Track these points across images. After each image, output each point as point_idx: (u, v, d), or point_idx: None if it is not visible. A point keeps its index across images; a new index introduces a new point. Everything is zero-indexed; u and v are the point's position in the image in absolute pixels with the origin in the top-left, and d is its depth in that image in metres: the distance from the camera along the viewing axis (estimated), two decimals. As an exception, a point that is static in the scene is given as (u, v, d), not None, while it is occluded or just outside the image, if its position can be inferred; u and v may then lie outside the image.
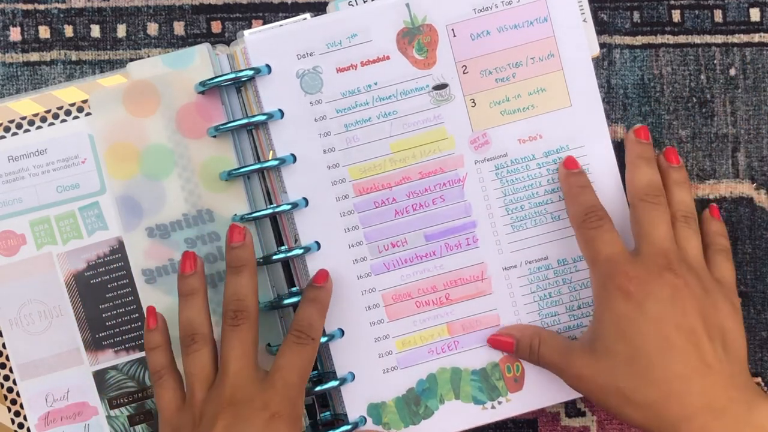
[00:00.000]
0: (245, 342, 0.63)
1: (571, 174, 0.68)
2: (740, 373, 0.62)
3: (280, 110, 0.68)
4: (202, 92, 0.68)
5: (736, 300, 0.67)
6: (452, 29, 0.68)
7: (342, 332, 0.69)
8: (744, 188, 0.74)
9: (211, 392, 0.62)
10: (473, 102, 0.69)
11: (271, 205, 0.69)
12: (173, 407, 0.64)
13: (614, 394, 0.62)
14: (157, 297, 0.68)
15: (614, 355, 0.62)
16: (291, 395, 0.62)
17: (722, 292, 0.65)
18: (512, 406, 0.70)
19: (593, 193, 0.67)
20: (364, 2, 0.69)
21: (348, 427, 0.68)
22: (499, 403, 0.69)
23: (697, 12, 0.75)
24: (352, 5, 0.68)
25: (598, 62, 0.74)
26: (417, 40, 0.68)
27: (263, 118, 0.67)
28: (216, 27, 0.73)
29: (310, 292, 0.66)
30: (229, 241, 0.64)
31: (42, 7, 0.72)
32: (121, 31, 0.73)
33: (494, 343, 0.69)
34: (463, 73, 0.68)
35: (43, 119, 0.68)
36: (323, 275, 0.67)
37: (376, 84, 0.68)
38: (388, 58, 0.68)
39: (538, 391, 0.69)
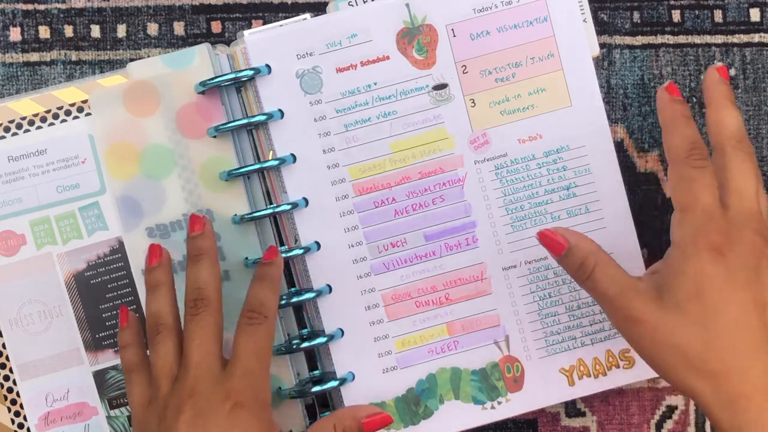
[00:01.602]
0: (206, 330, 0.61)
1: (675, 101, 0.62)
2: None
3: (280, 110, 0.68)
4: (202, 92, 0.68)
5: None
6: (452, 29, 0.68)
7: (342, 332, 0.69)
8: (744, 188, 0.74)
9: (174, 385, 0.61)
10: (473, 102, 0.69)
11: (271, 205, 0.69)
12: (143, 402, 0.63)
13: (673, 354, 0.56)
14: (157, 297, 0.68)
15: (685, 313, 0.56)
16: (253, 382, 0.61)
17: None
18: (512, 406, 0.70)
19: (696, 129, 0.61)
20: (364, 2, 0.69)
21: (348, 427, 0.68)
22: (499, 403, 0.69)
23: (697, 12, 0.75)
24: (352, 5, 0.69)
25: (598, 62, 0.74)
26: (417, 40, 0.68)
27: (263, 118, 0.67)
28: (216, 27, 0.73)
29: (260, 269, 0.65)
30: (189, 230, 0.64)
31: (42, 7, 0.72)
32: (121, 31, 0.73)
33: (543, 238, 0.62)
34: (463, 73, 0.69)
35: (43, 119, 0.68)
36: (273, 251, 0.65)
37: (375, 84, 0.68)
38: (387, 58, 0.68)
39: (538, 391, 0.69)
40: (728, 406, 0.55)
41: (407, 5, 0.68)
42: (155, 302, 0.64)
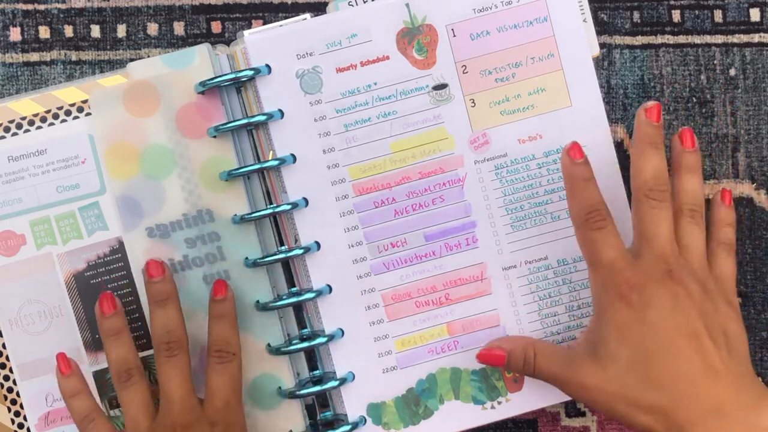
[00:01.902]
0: (183, 370, 0.64)
1: (576, 165, 0.63)
2: (746, 374, 0.62)
3: (280, 110, 0.68)
4: (202, 92, 0.68)
5: (735, 299, 0.66)
6: (452, 29, 0.68)
7: (342, 332, 0.69)
8: (744, 188, 0.74)
9: (158, 420, 0.64)
10: (473, 102, 0.69)
11: (271, 205, 0.69)
12: None
13: (622, 401, 0.61)
14: (157, 297, 0.68)
15: (619, 361, 0.61)
16: (231, 410, 0.65)
17: (722, 293, 0.64)
18: (512, 406, 0.70)
19: (597, 189, 0.63)
20: (364, 2, 0.69)
21: (348, 428, 0.68)
22: (499, 403, 0.69)
23: (697, 12, 0.75)
24: (352, 5, 0.68)
25: (598, 62, 0.74)
26: (417, 40, 0.68)
27: (263, 118, 0.67)
28: (216, 27, 0.73)
29: (214, 308, 0.66)
30: (149, 275, 0.65)
31: (42, 7, 0.72)
32: (121, 31, 0.73)
33: (484, 358, 0.67)
34: (463, 73, 0.68)
35: (43, 119, 0.68)
36: (220, 287, 0.67)
37: (375, 84, 0.68)
38: (387, 58, 0.68)
39: (538, 391, 0.69)
40: None
41: (407, 5, 0.68)
42: (120, 348, 0.65)
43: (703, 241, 0.65)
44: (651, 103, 0.65)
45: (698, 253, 0.65)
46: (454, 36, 0.68)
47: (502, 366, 0.66)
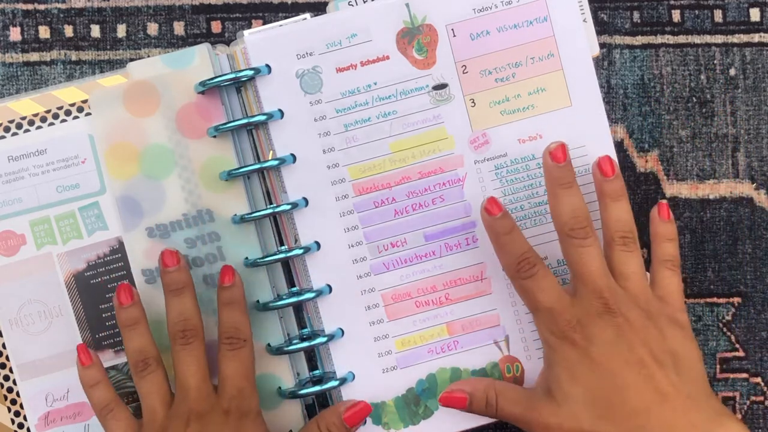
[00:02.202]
0: (199, 358, 0.64)
1: (495, 220, 0.64)
2: (699, 393, 0.62)
3: (280, 110, 0.68)
4: (202, 92, 0.68)
5: (683, 317, 0.66)
6: (452, 29, 0.68)
7: (342, 332, 0.69)
8: (744, 188, 0.74)
9: (173, 409, 0.64)
10: (473, 102, 0.69)
11: (271, 205, 0.69)
12: None
13: None
14: (158, 297, 0.68)
15: (573, 399, 0.62)
16: (246, 396, 0.65)
17: (666, 314, 0.65)
18: (512, 406, 0.70)
19: (522, 238, 0.65)
20: (364, 2, 0.69)
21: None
22: (499, 403, 0.70)
23: (697, 12, 0.75)
24: (352, 5, 0.69)
25: (598, 62, 0.74)
26: (417, 40, 0.68)
27: (263, 118, 0.67)
28: (216, 27, 0.73)
29: (223, 294, 0.66)
30: (164, 265, 0.66)
31: (42, 7, 0.72)
32: (121, 31, 0.73)
33: (445, 401, 0.67)
34: (463, 73, 0.69)
35: (43, 119, 0.68)
36: (229, 273, 0.66)
37: (375, 84, 0.68)
38: (387, 58, 0.68)
39: (538, 391, 0.69)
40: None
41: (407, 5, 0.68)
42: (137, 338, 0.65)
43: (639, 266, 0.65)
44: (554, 145, 0.65)
45: (636, 279, 0.65)
46: (454, 36, 0.68)
47: (464, 408, 0.67)
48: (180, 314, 0.65)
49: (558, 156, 0.64)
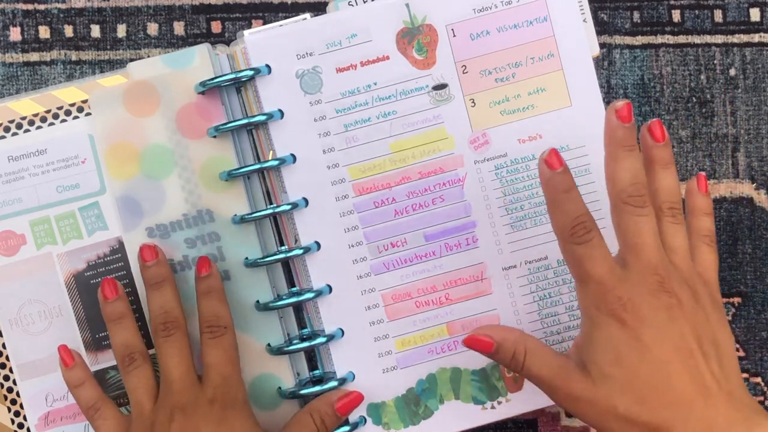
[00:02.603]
0: (181, 349, 0.64)
1: (555, 175, 0.59)
2: (737, 390, 0.59)
3: (280, 110, 0.68)
4: (202, 92, 0.68)
5: (719, 296, 0.63)
6: (452, 29, 0.68)
7: (342, 332, 0.69)
8: (744, 188, 0.75)
9: (158, 402, 0.64)
10: (473, 102, 0.69)
11: (271, 206, 0.69)
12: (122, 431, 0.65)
13: (615, 419, 0.58)
14: (157, 297, 0.68)
15: (612, 381, 0.58)
16: (230, 384, 0.64)
17: (709, 295, 0.61)
18: (512, 406, 0.70)
19: (580, 199, 0.59)
20: (364, 2, 0.69)
21: (348, 428, 0.68)
22: (499, 403, 0.69)
23: (697, 12, 0.75)
24: (352, 5, 0.68)
25: (598, 62, 0.74)
26: (417, 40, 0.68)
27: (263, 118, 0.67)
28: (216, 27, 0.73)
29: (201, 284, 0.67)
30: (143, 260, 0.66)
31: (42, 7, 0.72)
32: (121, 31, 0.73)
33: (470, 342, 0.63)
34: (463, 73, 0.68)
35: (43, 119, 0.68)
36: (204, 263, 0.67)
37: (375, 84, 0.68)
38: (387, 58, 0.68)
39: (538, 392, 0.68)
40: None
41: (407, 5, 0.68)
42: (122, 333, 0.66)
43: (686, 240, 0.62)
44: (620, 103, 0.60)
45: (684, 255, 0.62)
46: (454, 36, 0.68)
47: (488, 353, 0.63)
48: (161, 307, 0.65)
49: (624, 115, 0.60)
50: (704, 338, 0.58)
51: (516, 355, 0.61)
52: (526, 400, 0.70)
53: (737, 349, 0.74)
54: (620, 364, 0.58)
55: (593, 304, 0.59)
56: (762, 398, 0.74)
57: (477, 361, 0.69)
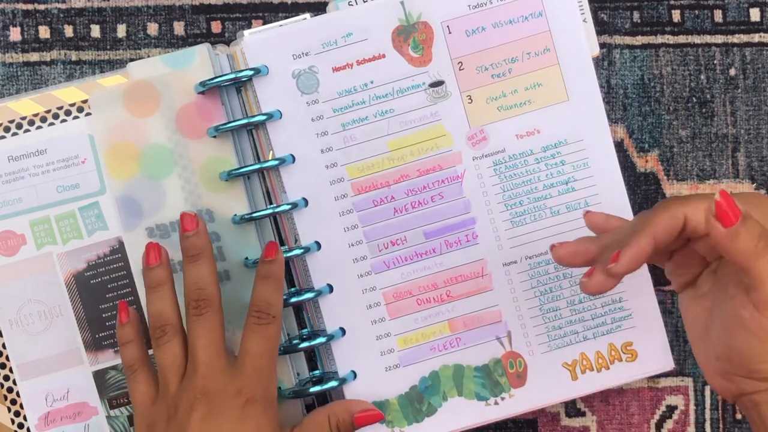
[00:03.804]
0: (211, 330, 0.62)
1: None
2: None
3: (279, 110, 0.68)
4: (202, 92, 0.68)
5: None
6: (447, 26, 0.69)
7: (343, 331, 0.69)
8: (744, 188, 0.74)
9: (183, 383, 0.62)
10: (470, 98, 0.69)
11: (271, 206, 0.69)
12: (147, 400, 0.64)
13: None
14: (158, 297, 0.68)
15: None
16: (262, 379, 0.62)
17: None
18: (515, 401, 0.69)
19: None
20: (365, 2, 0.69)
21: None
22: (502, 399, 0.69)
23: (697, 12, 0.75)
24: (352, 5, 0.69)
25: (598, 62, 0.74)
26: (412, 37, 0.69)
27: (263, 118, 0.67)
28: (216, 27, 0.74)
29: (262, 268, 0.65)
30: (183, 229, 0.64)
31: (42, 7, 0.73)
32: (121, 31, 0.73)
33: (720, 205, 0.51)
34: (459, 69, 0.69)
35: (43, 119, 0.69)
36: (273, 248, 0.65)
37: (372, 82, 0.69)
38: (383, 56, 0.69)
39: (541, 387, 0.69)
40: None
41: (402, 3, 0.68)
42: (158, 302, 0.64)
43: None
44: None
45: None
46: (450, 33, 0.69)
47: (729, 226, 0.51)
48: (195, 282, 0.63)
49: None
50: None
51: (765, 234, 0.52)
52: (530, 395, 0.69)
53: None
54: None
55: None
56: None
57: (479, 357, 0.69)
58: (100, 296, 0.69)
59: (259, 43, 0.68)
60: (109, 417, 0.69)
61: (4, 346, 0.68)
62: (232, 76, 0.67)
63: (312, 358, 0.70)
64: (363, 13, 0.68)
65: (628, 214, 0.69)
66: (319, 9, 0.73)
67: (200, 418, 0.60)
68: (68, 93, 0.69)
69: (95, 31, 0.73)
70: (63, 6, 0.73)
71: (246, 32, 0.69)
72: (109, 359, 0.69)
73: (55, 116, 0.69)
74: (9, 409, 0.68)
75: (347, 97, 0.68)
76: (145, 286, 0.65)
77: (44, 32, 0.73)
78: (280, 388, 0.69)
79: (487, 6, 0.68)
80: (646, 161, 0.74)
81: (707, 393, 0.74)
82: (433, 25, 0.69)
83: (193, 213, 0.65)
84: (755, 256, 0.51)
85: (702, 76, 0.75)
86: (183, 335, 0.64)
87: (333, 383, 0.68)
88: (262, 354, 0.62)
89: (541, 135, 0.69)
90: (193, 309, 0.63)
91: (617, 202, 0.69)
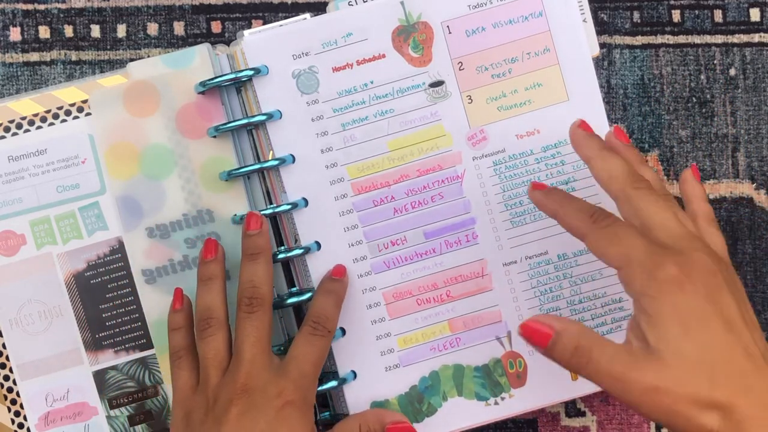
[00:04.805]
0: (260, 329, 0.63)
1: (546, 194, 0.61)
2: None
3: (279, 111, 0.68)
4: (202, 92, 0.68)
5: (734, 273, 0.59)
6: (447, 26, 0.69)
7: (343, 331, 0.69)
8: (744, 188, 0.74)
9: (225, 377, 0.63)
10: (470, 98, 0.69)
11: (271, 206, 0.69)
12: (187, 388, 0.64)
13: (687, 402, 0.52)
14: (157, 297, 0.68)
15: (684, 357, 0.53)
16: (304, 384, 0.63)
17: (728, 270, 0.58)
18: (515, 401, 0.69)
19: (579, 200, 0.60)
20: (365, 2, 0.69)
21: (349, 426, 0.68)
22: (502, 399, 0.69)
23: (697, 12, 0.75)
24: (352, 5, 0.69)
25: (598, 62, 0.74)
26: (412, 37, 0.68)
27: (263, 118, 0.67)
28: (216, 27, 0.74)
29: (328, 283, 0.67)
30: (246, 228, 0.66)
31: (42, 7, 0.73)
32: (121, 31, 0.73)
33: (526, 331, 0.56)
34: (459, 69, 0.69)
35: (43, 119, 0.69)
36: (341, 270, 0.68)
37: (372, 82, 0.68)
38: (383, 56, 0.69)
39: (541, 386, 0.69)
40: (737, 430, 0.52)
41: (402, 3, 0.68)
42: (208, 295, 0.65)
43: (689, 220, 0.60)
44: (578, 120, 0.63)
45: (697, 232, 0.60)
46: (450, 33, 0.69)
47: (542, 348, 0.56)
48: (250, 281, 0.64)
49: (586, 126, 0.62)
50: (743, 307, 0.55)
51: (580, 348, 0.55)
52: (530, 395, 0.69)
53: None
54: (689, 335, 0.53)
55: (645, 278, 0.54)
56: None
57: (479, 357, 0.69)
58: (100, 296, 0.69)
59: (259, 43, 0.68)
60: (109, 417, 0.69)
61: (4, 346, 0.68)
62: (232, 76, 0.67)
63: (312, 358, 0.70)
64: (363, 13, 0.68)
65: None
66: (319, 9, 0.73)
67: (238, 413, 0.61)
68: (68, 93, 0.69)
69: (95, 31, 0.73)
70: (63, 6, 0.73)
71: (246, 32, 0.69)
72: (109, 359, 0.69)
73: (55, 116, 0.69)
74: (9, 409, 0.68)
75: (347, 97, 0.68)
76: (198, 278, 0.66)
77: (44, 32, 0.73)
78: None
79: (487, 6, 0.68)
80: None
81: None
82: (433, 25, 0.69)
83: (259, 213, 0.66)
84: (576, 367, 0.55)
85: (702, 76, 0.75)
86: (227, 331, 0.65)
87: (333, 383, 0.68)
88: (310, 362, 0.64)
89: (541, 135, 0.69)
90: (245, 306, 0.64)
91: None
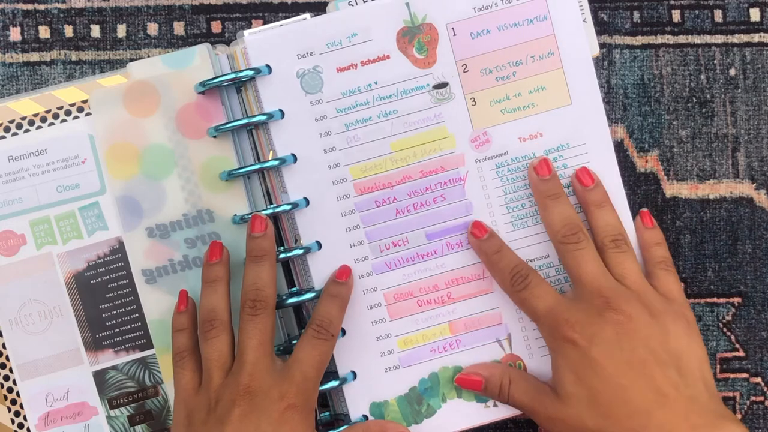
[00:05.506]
0: (263, 332, 0.64)
1: (482, 242, 0.68)
2: (701, 394, 0.62)
3: (281, 110, 0.68)
4: (202, 92, 0.68)
5: (689, 313, 0.66)
6: (452, 28, 0.68)
7: (344, 332, 0.69)
8: (744, 188, 0.74)
9: (228, 379, 0.63)
10: (473, 101, 0.69)
11: (272, 205, 0.68)
12: (190, 389, 0.65)
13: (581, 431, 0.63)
14: (158, 297, 0.68)
15: (577, 399, 0.63)
16: (307, 388, 0.64)
17: (672, 310, 0.65)
18: (514, 404, 0.70)
19: (510, 253, 0.68)
20: (364, 2, 0.69)
21: (346, 426, 0.68)
22: (501, 401, 0.70)
23: (697, 12, 0.75)
24: (351, 5, 0.69)
25: (598, 62, 0.74)
26: (417, 39, 0.68)
27: (263, 118, 0.67)
28: (216, 27, 0.73)
29: (332, 287, 0.67)
30: (251, 230, 0.66)
31: (42, 7, 0.72)
32: (121, 31, 0.73)
33: (462, 382, 0.69)
34: (464, 71, 0.68)
35: (43, 119, 0.68)
36: (346, 271, 0.68)
37: (376, 83, 0.68)
38: (388, 57, 0.68)
39: (540, 390, 0.69)
40: None
41: (407, 4, 0.68)
42: (212, 297, 0.66)
43: (636, 264, 0.67)
44: (536, 161, 0.68)
45: (636, 277, 0.66)
46: (455, 35, 0.68)
47: (478, 391, 0.68)
48: (253, 283, 0.65)
49: (542, 170, 0.68)
50: (659, 349, 0.63)
51: (502, 387, 0.67)
52: (528, 398, 0.69)
53: (737, 349, 0.74)
54: (581, 383, 0.63)
55: (549, 334, 0.65)
56: (762, 398, 0.74)
57: (479, 359, 0.69)
58: (100, 296, 0.69)
59: (263, 42, 0.68)
60: (109, 417, 0.69)
61: (4, 346, 0.68)
62: (233, 76, 0.67)
63: (312, 358, 0.70)
64: (368, 14, 0.68)
65: (626, 215, 0.69)
66: (318, 9, 0.73)
67: (240, 415, 0.61)
68: (68, 93, 0.68)
69: (95, 31, 0.73)
70: (63, 6, 0.72)
71: (246, 32, 0.68)
72: (109, 359, 0.69)
73: (55, 116, 0.68)
74: (9, 409, 0.68)
75: (351, 97, 0.68)
76: (202, 280, 0.66)
77: (44, 32, 0.72)
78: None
79: (493, 9, 0.68)
80: (646, 161, 0.74)
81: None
82: (438, 27, 0.68)
83: (264, 216, 0.66)
84: (502, 401, 0.68)
85: (702, 76, 0.75)
86: (230, 333, 0.66)
87: (333, 383, 0.68)
88: (313, 366, 0.64)
89: (544, 138, 0.69)
90: (249, 308, 0.64)
91: (617, 205, 0.69)
